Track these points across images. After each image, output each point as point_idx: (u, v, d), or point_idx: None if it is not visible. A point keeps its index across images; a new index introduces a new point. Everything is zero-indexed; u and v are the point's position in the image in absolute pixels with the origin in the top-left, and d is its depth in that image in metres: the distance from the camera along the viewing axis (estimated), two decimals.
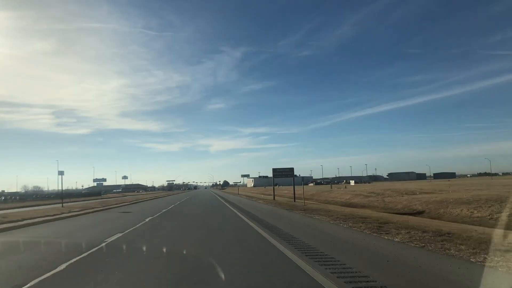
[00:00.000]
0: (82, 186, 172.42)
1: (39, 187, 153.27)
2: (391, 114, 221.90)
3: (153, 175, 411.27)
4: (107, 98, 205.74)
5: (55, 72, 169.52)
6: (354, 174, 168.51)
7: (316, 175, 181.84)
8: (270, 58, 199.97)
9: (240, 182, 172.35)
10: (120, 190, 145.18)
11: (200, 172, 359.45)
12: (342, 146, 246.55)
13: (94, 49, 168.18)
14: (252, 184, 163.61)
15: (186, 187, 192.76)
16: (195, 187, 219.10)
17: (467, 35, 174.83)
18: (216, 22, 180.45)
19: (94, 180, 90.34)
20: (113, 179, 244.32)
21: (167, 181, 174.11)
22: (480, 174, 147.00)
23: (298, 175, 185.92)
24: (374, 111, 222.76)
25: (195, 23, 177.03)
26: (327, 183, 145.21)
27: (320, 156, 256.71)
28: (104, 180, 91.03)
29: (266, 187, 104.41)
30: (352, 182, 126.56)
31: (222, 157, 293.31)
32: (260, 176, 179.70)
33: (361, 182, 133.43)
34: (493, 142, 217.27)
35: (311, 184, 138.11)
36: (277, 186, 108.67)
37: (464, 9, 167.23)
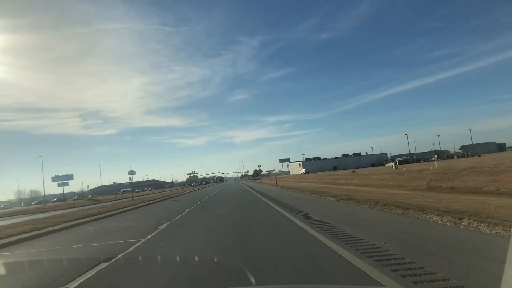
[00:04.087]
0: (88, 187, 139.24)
1: (38, 192, 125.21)
2: (419, 91, 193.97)
3: (178, 170, 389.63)
4: (130, 97, 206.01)
5: (79, 76, 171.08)
6: (418, 151, 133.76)
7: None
8: (288, 44, 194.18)
9: (273, 170, 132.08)
10: (130, 189, 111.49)
11: (226, 164, 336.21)
12: (371, 127, 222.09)
13: (113, 49, 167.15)
14: (303, 170, 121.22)
15: (205, 180, 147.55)
16: (221, 179, 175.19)
17: (488, 4, 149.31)
18: (231, 13, 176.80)
19: (53, 179, 52.77)
20: (124, 177, 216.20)
21: (187, 174, 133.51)
22: None
23: (365, 152, 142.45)
24: (399, 89, 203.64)
25: (210, 16, 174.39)
26: (416, 160, 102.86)
27: (349, 139, 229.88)
28: (71, 177, 55.23)
29: (342, 171, 61.51)
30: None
31: (248, 147, 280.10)
32: (308, 159, 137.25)
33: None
34: None
35: (389, 164, 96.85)
36: (353, 171, 68.43)
37: None
